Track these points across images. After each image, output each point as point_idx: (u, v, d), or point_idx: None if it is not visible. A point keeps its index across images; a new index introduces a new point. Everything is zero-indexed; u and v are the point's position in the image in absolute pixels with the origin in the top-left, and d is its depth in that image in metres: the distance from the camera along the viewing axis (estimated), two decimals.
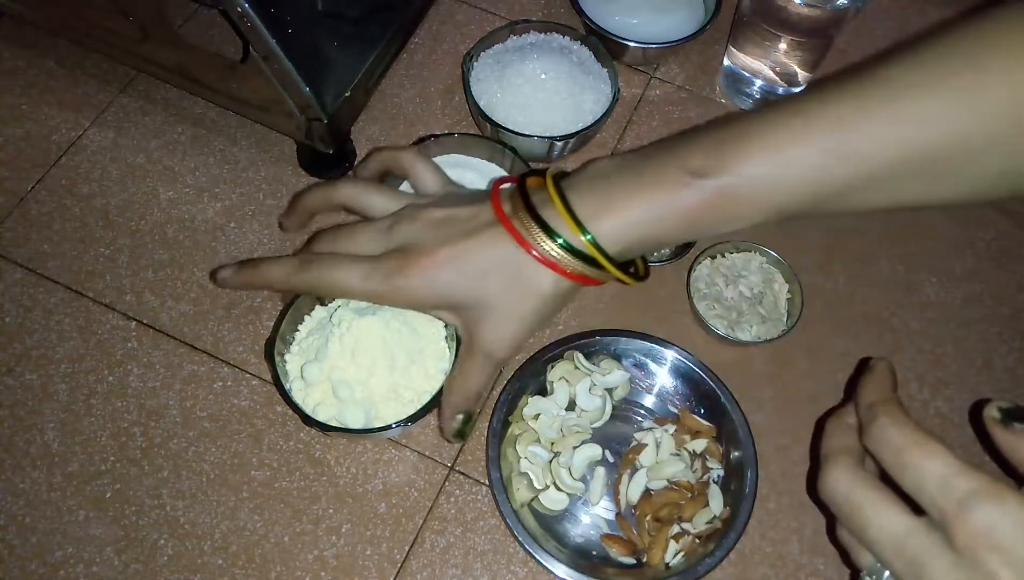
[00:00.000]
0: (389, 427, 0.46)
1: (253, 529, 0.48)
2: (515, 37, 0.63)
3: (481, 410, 0.52)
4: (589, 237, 0.41)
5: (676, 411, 0.52)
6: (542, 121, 0.58)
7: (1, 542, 0.47)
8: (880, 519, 0.32)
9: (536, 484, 0.49)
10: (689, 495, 0.48)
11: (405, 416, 0.47)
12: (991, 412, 0.35)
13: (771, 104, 0.41)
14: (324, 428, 0.46)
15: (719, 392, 0.51)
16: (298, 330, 0.51)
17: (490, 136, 0.59)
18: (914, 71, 0.38)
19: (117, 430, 0.50)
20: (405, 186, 0.54)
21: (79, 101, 0.62)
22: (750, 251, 0.57)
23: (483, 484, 0.50)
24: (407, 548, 0.48)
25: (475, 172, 0.57)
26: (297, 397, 0.48)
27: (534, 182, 0.44)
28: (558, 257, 0.42)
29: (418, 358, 0.49)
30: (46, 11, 0.58)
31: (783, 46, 0.60)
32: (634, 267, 0.45)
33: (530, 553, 0.46)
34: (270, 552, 0.47)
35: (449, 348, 0.50)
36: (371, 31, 0.59)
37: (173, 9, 0.53)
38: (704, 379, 0.52)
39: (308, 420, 0.46)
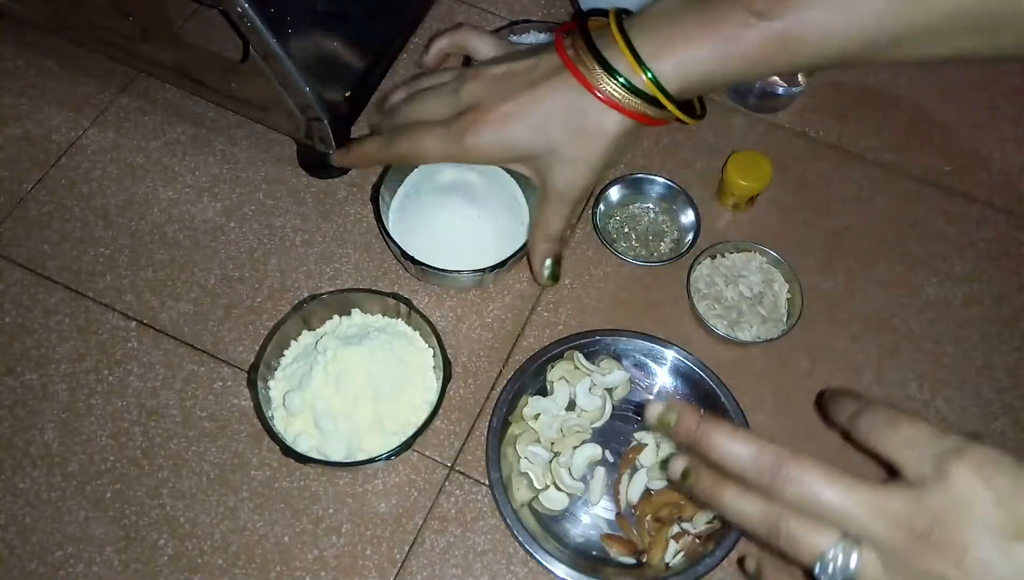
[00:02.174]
0: (371, 460, 0.46)
1: (253, 529, 0.48)
2: (515, 37, 0.63)
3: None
4: (650, 76, 0.43)
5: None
6: None
7: (1, 542, 0.47)
8: (849, 493, 0.33)
9: (536, 484, 0.49)
10: None
11: (389, 449, 0.47)
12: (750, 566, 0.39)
13: None
14: (304, 460, 0.46)
15: (719, 392, 0.51)
16: (283, 356, 0.51)
17: None
18: None
19: (117, 430, 0.50)
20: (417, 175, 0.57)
21: (79, 101, 0.62)
22: (750, 251, 0.57)
23: (483, 484, 0.50)
24: (407, 548, 0.48)
25: (477, 172, 0.57)
26: (278, 426, 0.48)
27: (596, 24, 0.45)
28: (619, 97, 0.44)
29: (404, 389, 0.49)
30: (46, 11, 0.58)
31: None
32: (692, 107, 0.47)
33: (530, 553, 0.46)
34: (270, 552, 0.47)
35: (436, 378, 0.50)
36: (371, 31, 0.59)
37: (173, 9, 0.53)
38: (704, 379, 0.52)
39: (288, 451, 0.46)
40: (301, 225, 0.58)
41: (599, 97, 0.44)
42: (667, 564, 0.47)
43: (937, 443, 0.33)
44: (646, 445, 0.50)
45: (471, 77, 0.48)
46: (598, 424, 0.51)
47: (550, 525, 0.49)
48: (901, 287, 0.58)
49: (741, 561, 0.46)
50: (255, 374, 0.48)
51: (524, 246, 0.52)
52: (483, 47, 0.53)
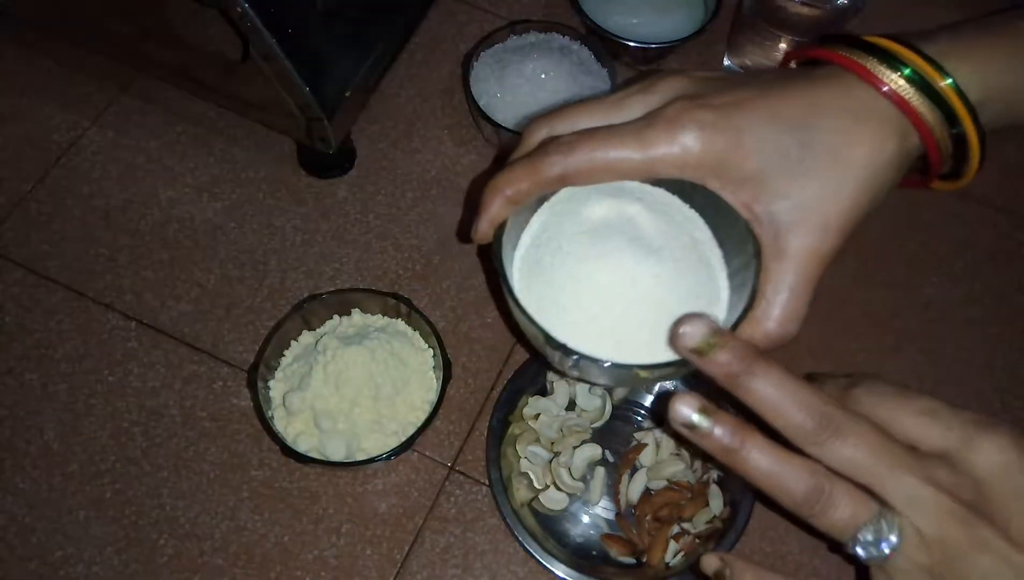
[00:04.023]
0: (371, 460, 0.46)
1: (253, 529, 0.48)
2: (515, 37, 0.63)
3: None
4: (950, 81, 0.33)
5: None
6: None
7: (1, 542, 0.47)
8: (901, 458, 0.31)
9: (536, 484, 0.49)
10: (689, 495, 0.48)
11: (389, 449, 0.47)
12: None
13: None
14: (303, 460, 0.46)
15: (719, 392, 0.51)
16: (283, 356, 0.51)
17: (489, 137, 0.59)
18: None
19: (117, 430, 0.50)
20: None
21: (79, 101, 0.62)
22: None
23: (483, 484, 0.50)
24: (407, 548, 0.48)
25: (641, 205, 0.37)
26: (278, 426, 0.48)
27: (856, 38, 0.35)
28: (909, 95, 0.33)
29: (403, 389, 0.49)
30: (46, 11, 0.58)
31: (783, 46, 0.60)
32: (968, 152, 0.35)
33: (530, 553, 0.46)
34: (270, 552, 0.47)
35: (436, 378, 0.50)
36: (371, 31, 0.59)
37: (173, 9, 0.53)
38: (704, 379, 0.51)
39: (287, 451, 0.46)
40: (301, 225, 0.58)
41: (879, 86, 0.33)
42: (667, 564, 0.47)
43: (959, 415, 0.32)
44: (646, 445, 0.50)
45: (671, 75, 0.36)
46: (598, 424, 0.51)
47: (550, 525, 0.49)
48: (901, 287, 0.58)
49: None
50: (255, 374, 0.48)
51: (731, 325, 0.35)
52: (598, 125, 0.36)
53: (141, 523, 0.48)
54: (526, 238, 0.38)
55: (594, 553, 0.48)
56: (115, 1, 0.53)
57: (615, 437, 0.51)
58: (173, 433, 0.50)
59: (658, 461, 0.49)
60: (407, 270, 0.56)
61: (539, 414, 0.50)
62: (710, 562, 0.36)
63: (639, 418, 0.52)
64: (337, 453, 0.47)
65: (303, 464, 0.47)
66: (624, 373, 0.34)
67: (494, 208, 0.36)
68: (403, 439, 0.47)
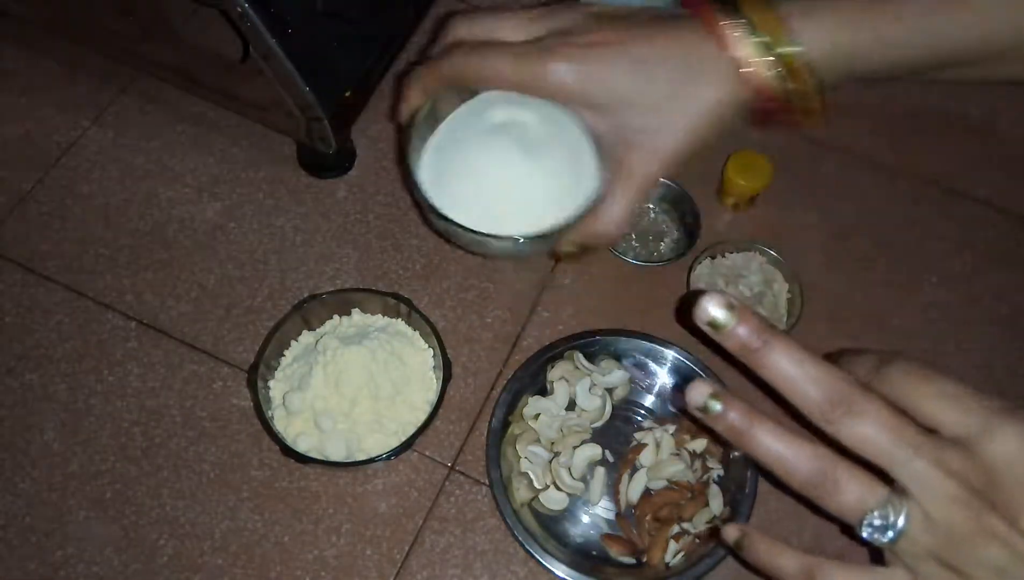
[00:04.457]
0: (371, 460, 0.46)
1: (253, 529, 0.48)
2: None
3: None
4: (795, 47, 0.38)
5: (675, 411, 0.52)
6: None
7: (1, 542, 0.47)
8: (913, 439, 0.31)
9: (536, 484, 0.49)
10: (689, 495, 0.48)
11: (389, 449, 0.47)
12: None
13: None
14: (303, 460, 0.46)
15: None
16: (283, 356, 0.51)
17: None
18: None
19: (117, 430, 0.50)
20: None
21: (79, 101, 0.62)
22: (750, 251, 0.57)
23: (483, 484, 0.50)
24: (407, 548, 0.48)
25: (536, 114, 0.45)
26: (278, 426, 0.48)
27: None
28: (749, 54, 0.38)
29: (404, 389, 0.49)
30: (46, 11, 0.58)
31: None
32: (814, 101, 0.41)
33: (530, 553, 0.46)
34: (270, 552, 0.47)
35: (436, 378, 0.50)
36: (371, 31, 0.59)
37: (173, 9, 0.53)
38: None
39: (287, 450, 0.46)
40: (301, 225, 0.58)
41: (724, 49, 0.38)
42: (667, 564, 0.47)
43: (981, 401, 0.32)
44: (646, 445, 0.50)
45: (565, 8, 0.42)
46: (598, 424, 0.51)
47: (550, 525, 0.49)
48: (901, 287, 0.58)
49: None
50: (255, 374, 0.48)
51: (577, 217, 0.43)
52: (508, 34, 0.43)
53: (141, 523, 0.48)
54: (441, 128, 0.46)
55: (594, 553, 0.48)
56: (115, 1, 0.53)
57: (615, 437, 0.51)
58: (173, 433, 0.50)
59: (658, 461, 0.49)
60: (407, 270, 0.56)
61: (539, 414, 0.50)
62: (730, 532, 0.37)
63: (639, 418, 0.52)
64: (337, 453, 0.47)
65: (303, 464, 0.47)
66: (479, 241, 0.43)
67: (411, 95, 0.44)
68: (403, 439, 0.47)
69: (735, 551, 0.38)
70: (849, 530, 0.33)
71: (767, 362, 0.32)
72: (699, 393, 0.33)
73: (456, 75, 0.42)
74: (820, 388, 0.32)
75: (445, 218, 0.43)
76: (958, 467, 0.31)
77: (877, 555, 0.35)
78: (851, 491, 0.32)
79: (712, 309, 0.32)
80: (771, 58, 0.38)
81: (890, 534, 0.32)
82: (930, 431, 0.32)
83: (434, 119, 0.46)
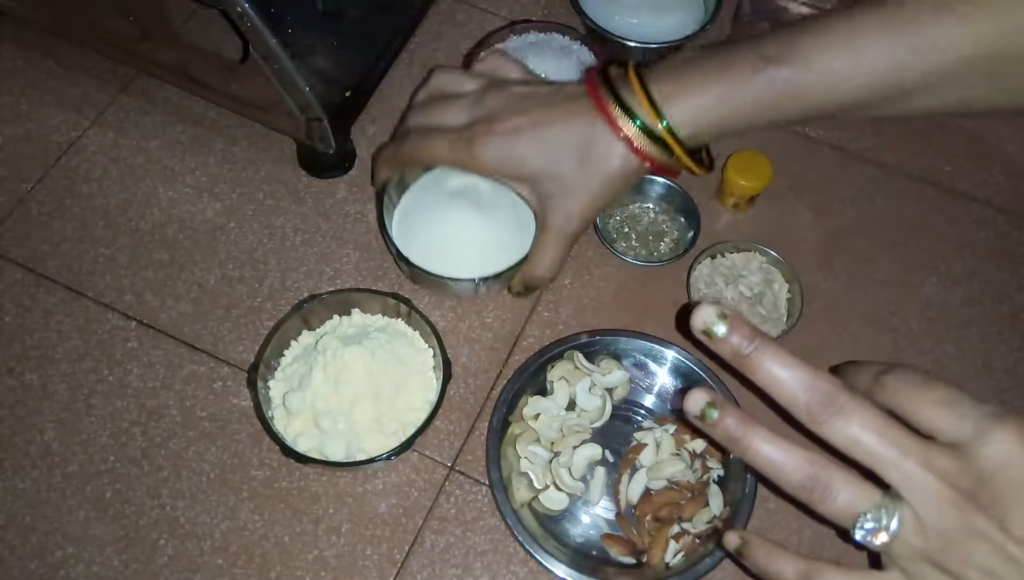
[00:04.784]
0: (371, 460, 0.46)
1: (253, 529, 0.48)
2: (515, 37, 0.63)
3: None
4: (664, 124, 0.43)
5: (676, 411, 0.52)
6: None
7: (1, 542, 0.47)
8: (902, 440, 0.32)
9: (536, 484, 0.49)
10: (689, 495, 0.48)
11: (389, 449, 0.47)
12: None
13: (844, 8, 0.42)
14: (303, 460, 0.46)
15: (719, 392, 0.51)
16: (283, 356, 0.51)
17: None
18: None
19: (117, 430, 0.50)
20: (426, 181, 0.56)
21: (79, 101, 0.62)
22: (750, 251, 0.57)
23: (483, 484, 0.50)
24: (407, 548, 0.48)
25: (486, 180, 0.54)
26: (278, 426, 0.48)
27: (616, 71, 0.46)
28: (634, 136, 0.44)
29: (404, 389, 0.49)
30: (46, 11, 0.58)
31: None
32: (700, 156, 0.47)
33: (530, 553, 0.46)
34: (270, 552, 0.47)
35: (436, 378, 0.50)
36: (371, 31, 0.59)
37: (173, 9, 0.53)
38: (704, 379, 0.51)
39: (287, 451, 0.46)
40: (301, 225, 0.58)
41: (615, 132, 0.44)
42: (667, 564, 0.47)
43: (976, 407, 0.33)
44: (646, 445, 0.50)
45: (494, 89, 0.49)
46: (598, 424, 0.51)
47: (550, 525, 0.49)
48: (901, 287, 0.58)
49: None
50: (255, 374, 0.48)
51: (522, 260, 0.51)
52: (508, 68, 0.51)
53: (141, 523, 0.48)
54: (409, 192, 0.55)
55: (594, 553, 0.48)
56: (115, 1, 0.53)
57: (615, 437, 0.51)
58: (173, 433, 0.50)
59: (658, 461, 0.49)
60: None
61: (539, 414, 0.50)
62: (731, 539, 0.38)
63: (639, 418, 0.52)
64: (337, 453, 0.47)
65: (303, 464, 0.47)
66: (441, 283, 0.52)
67: (381, 170, 0.53)
68: (403, 439, 0.47)
69: (735, 557, 0.39)
70: (846, 535, 0.34)
71: (758, 367, 0.34)
72: (696, 401, 0.35)
73: (408, 158, 0.51)
74: (808, 391, 0.33)
75: (413, 265, 0.51)
76: (947, 469, 0.32)
77: (875, 559, 0.35)
78: (843, 495, 0.33)
79: (706, 319, 0.34)
80: (649, 139, 0.44)
81: (883, 536, 0.33)
82: (923, 436, 0.33)
83: (403, 185, 0.55)
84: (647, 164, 0.45)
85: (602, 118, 0.44)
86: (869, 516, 0.33)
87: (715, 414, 0.35)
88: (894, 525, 0.32)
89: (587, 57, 0.62)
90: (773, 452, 0.34)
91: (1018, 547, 0.31)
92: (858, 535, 0.33)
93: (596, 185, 0.46)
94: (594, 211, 0.48)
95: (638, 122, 0.44)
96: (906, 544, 0.33)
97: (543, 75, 0.59)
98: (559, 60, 0.60)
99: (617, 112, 0.44)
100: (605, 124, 0.44)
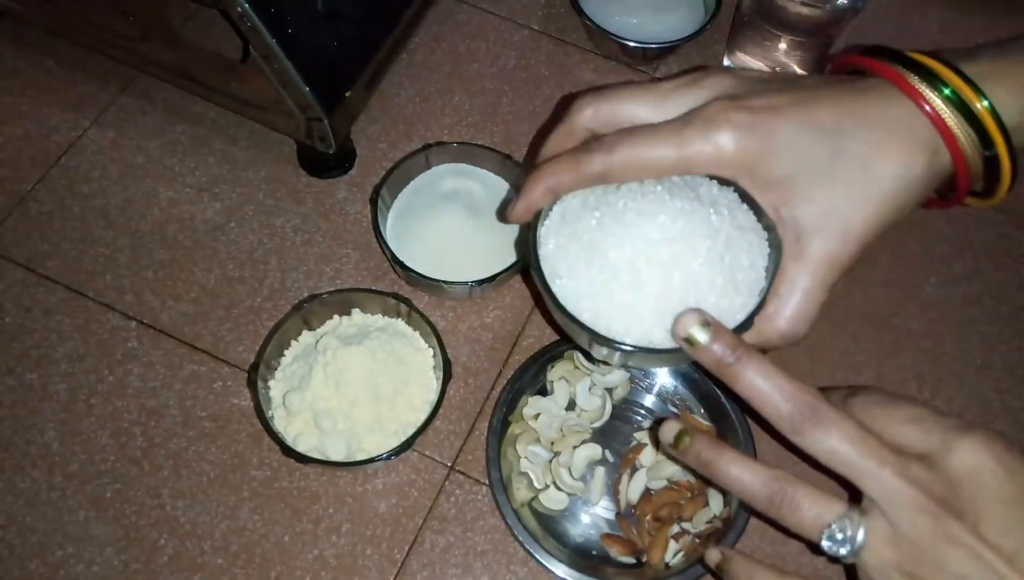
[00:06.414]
0: (371, 460, 0.46)
1: (253, 529, 0.48)
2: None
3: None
4: (986, 103, 0.33)
5: (676, 411, 0.52)
6: None
7: (1, 542, 0.47)
8: (877, 451, 0.33)
9: (536, 484, 0.49)
10: (689, 495, 0.48)
11: (389, 449, 0.47)
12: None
13: None
14: (303, 460, 0.46)
15: (719, 392, 0.51)
16: (283, 355, 0.51)
17: (497, 149, 0.60)
18: None
19: (117, 430, 0.50)
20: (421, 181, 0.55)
21: (79, 101, 0.62)
22: None
23: (483, 484, 0.50)
24: (407, 548, 0.48)
25: (480, 183, 0.56)
26: (278, 426, 0.48)
27: (893, 53, 0.35)
28: (947, 115, 0.33)
29: (404, 389, 0.49)
30: (46, 11, 0.58)
31: (783, 46, 0.60)
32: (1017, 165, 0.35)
33: (530, 553, 0.46)
34: (270, 552, 0.47)
35: (436, 378, 0.50)
36: (371, 31, 0.59)
37: (173, 9, 0.53)
38: (704, 379, 0.51)
39: (288, 450, 0.46)
40: (301, 225, 0.58)
41: (919, 103, 0.33)
42: (667, 564, 0.47)
43: (942, 421, 0.34)
44: (646, 445, 0.50)
45: (715, 73, 0.36)
46: (598, 424, 0.51)
47: (550, 525, 0.49)
48: (901, 287, 0.58)
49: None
50: (255, 374, 0.48)
51: (516, 263, 0.51)
52: (643, 113, 0.36)
53: (141, 523, 0.48)
54: (402, 195, 0.54)
55: (594, 553, 0.48)
56: (115, 1, 0.53)
57: (615, 437, 0.51)
58: (173, 433, 0.50)
59: (658, 461, 0.49)
60: None
61: (539, 414, 0.50)
62: (712, 555, 0.40)
63: (639, 418, 0.52)
64: (337, 453, 0.47)
65: (303, 464, 0.47)
66: (436, 287, 0.50)
67: (535, 195, 0.37)
68: (403, 439, 0.47)
69: (716, 573, 0.40)
70: (817, 549, 0.34)
71: (740, 377, 0.34)
72: (670, 430, 0.38)
73: (606, 172, 0.35)
74: (790, 402, 0.33)
75: (408, 269, 0.50)
76: (921, 478, 0.33)
77: (852, 573, 0.36)
78: (809, 508, 0.34)
79: (688, 326, 0.34)
80: (967, 120, 0.33)
81: (848, 547, 0.33)
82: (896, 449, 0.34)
83: (396, 188, 0.55)
84: (956, 163, 0.34)
85: (897, 87, 0.33)
86: (835, 526, 0.34)
87: (688, 441, 0.37)
88: (860, 535, 0.33)
89: None
90: (741, 472, 0.35)
91: (992, 552, 0.32)
92: (825, 545, 0.34)
93: (889, 185, 0.33)
94: (881, 227, 0.34)
95: (947, 91, 0.33)
96: (878, 554, 0.33)
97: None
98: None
99: (916, 81, 0.33)
100: (902, 95, 0.33)
